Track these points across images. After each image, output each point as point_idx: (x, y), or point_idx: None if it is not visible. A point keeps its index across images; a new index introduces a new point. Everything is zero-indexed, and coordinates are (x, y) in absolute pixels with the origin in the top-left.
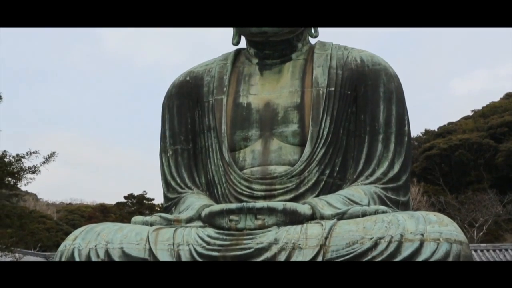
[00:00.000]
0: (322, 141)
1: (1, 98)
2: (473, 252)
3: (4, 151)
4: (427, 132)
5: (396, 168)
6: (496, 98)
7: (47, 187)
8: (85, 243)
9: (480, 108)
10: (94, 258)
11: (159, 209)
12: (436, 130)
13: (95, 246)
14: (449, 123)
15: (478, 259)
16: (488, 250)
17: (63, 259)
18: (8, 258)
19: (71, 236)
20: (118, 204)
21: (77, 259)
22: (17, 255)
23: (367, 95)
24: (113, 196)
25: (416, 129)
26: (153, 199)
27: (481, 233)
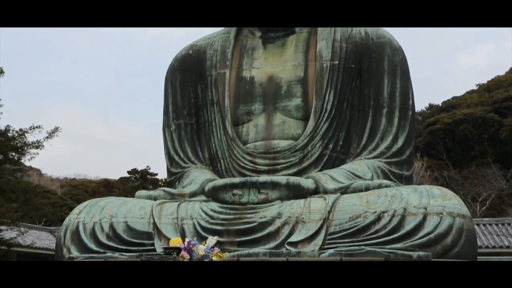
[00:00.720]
0: (326, 115)
1: (3, 72)
2: (476, 227)
3: (7, 125)
4: (431, 106)
5: (400, 142)
6: (502, 72)
7: (50, 162)
8: (89, 217)
9: (485, 82)
10: (98, 232)
11: (162, 184)
12: (440, 104)
13: (100, 220)
14: (454, 98)
15: (480, 233)
16: (490, 225)
17: (68, 233)
18: (13, 232)
19: (75, 210)
20: (121, 179)
21: (82, 233)
22: (22, 229)
23: (371, 69)
24: (116, 171)
25: (420, 104)
26: (156, 174)
27: (484, 207)
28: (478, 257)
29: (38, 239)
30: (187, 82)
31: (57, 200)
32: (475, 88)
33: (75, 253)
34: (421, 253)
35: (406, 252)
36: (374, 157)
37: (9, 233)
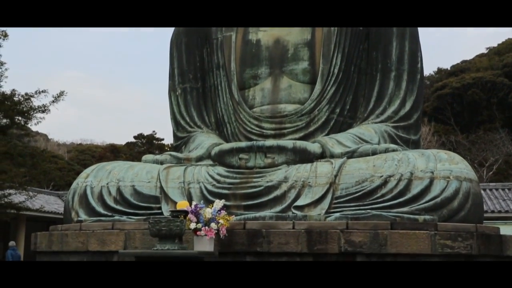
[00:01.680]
0: (333, 79)
1: (7, 36)
2: (482, 191)
3: (13, 89)
4: (439, 70)
5: (408, 106)
6: None
7: (57, 127)
8: (97, 180)
9: (495, 45)
10: (106, 196)
11: (168, 149)
12: (449, 68)
13: (107, 184)
14: (463, 61)
15: (487, 198)
16: (497, 189)
17: (76, 196)
18: (22, 196)
19: (83, 174)
20: (128, 144)
21: (89, 196)
22: (31, 193)
23: (379, 31)
24: (123, 136)
25: (428, 68)
26: (162, 139)
27: (491, 172)
28: (484, 221)
29: (46, 203)
30: (193, 45)
31: (64, 165)
32: (485, 51)
33: (83, 216)
34: (427, 216)
35: (412, 216)
36: (381, 121)
37: (18, 197)
